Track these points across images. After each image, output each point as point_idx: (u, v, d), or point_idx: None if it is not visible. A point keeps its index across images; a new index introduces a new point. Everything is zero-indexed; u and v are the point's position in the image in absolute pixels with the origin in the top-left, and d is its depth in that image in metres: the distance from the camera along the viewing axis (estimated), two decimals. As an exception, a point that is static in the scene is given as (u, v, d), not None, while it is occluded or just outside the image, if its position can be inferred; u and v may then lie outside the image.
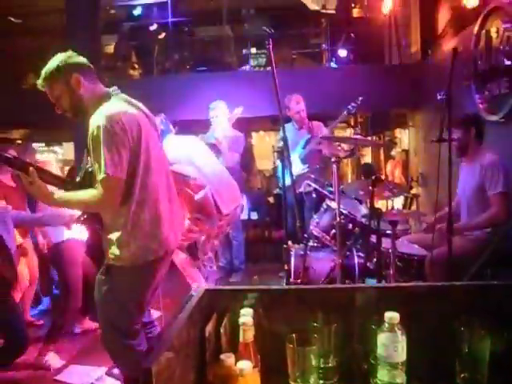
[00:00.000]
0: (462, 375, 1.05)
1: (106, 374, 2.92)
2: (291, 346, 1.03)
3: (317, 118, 4.88)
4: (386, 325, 1.02)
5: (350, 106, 4.13)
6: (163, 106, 3.88)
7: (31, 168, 1.96)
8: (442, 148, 2.55)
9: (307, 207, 4.37)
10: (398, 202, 5.88)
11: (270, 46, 2.32)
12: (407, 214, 4.38)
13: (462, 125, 3.01)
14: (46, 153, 10.29)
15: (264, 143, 9.54)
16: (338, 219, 2.88)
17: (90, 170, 2.07)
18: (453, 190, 2.62)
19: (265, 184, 8.32)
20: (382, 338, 1.03)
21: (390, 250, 2.92)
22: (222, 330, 1.15)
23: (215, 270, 3.83)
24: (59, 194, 2.04)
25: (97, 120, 1.95)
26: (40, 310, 4.35)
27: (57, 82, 2.04)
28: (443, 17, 5.15)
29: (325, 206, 3.44)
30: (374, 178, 2.89)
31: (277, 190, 6.82)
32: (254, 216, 7.08)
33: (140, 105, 2.15)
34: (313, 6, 7.21)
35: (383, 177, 5.78)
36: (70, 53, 2.10)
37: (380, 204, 3.30)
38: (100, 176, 1.92)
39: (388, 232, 3.06)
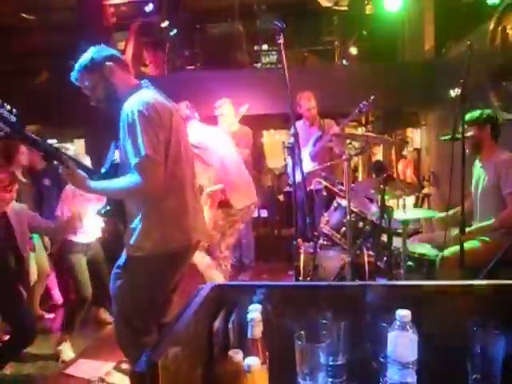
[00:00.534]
0: (474, 376, 1.02)
1: (115, 368, 2.93)
2: (300, 342, 1.01)
3: (328, 115, 4.85)
4: (398, 323, 1.00)
5: (361, 105, 4.09)
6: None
7: (64, 156, 2.02)
8: (454, 147, 2.52)
9: (317, 205, 4.34)
10: (410, 202, 5.82)
11: (282, 41, 2.30)
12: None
13: (476, 122, 2.96)
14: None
15: (274, 142, 9.50)
16: (349, 217, 2.86)
17: (115, 162, 2.08)
18: (466, 190, 2.58)
19: (275, 182, 8.30)
20: (392, 337, 1.01)
21: (401, 249, 2.89)
22: (230, 326, 1.14)
23: (229, 269, 3.83)
24: (95, 182, 2.05)
25: (131, 105, 1.97)
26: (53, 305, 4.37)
27: (91, 72, 2.10)
28: (458, 13, 5.08)
29: (335, 204, 3.42)
30: (385, 175, 2.86)
31: (287, 188, 6.79)
32: (264, 214, 7.08)
33: (168, 99, 2.18)
34: (325, 3, 7.16)
35: (394, 175, 5.74)
36: (101, 46, 2.16)
37: (391, 203, 3.26)
38: (136, 159, 1.90)
39: (399, 231, 3.03)
